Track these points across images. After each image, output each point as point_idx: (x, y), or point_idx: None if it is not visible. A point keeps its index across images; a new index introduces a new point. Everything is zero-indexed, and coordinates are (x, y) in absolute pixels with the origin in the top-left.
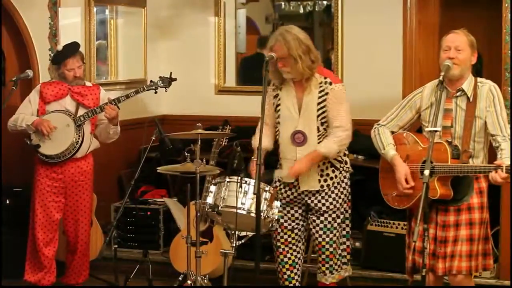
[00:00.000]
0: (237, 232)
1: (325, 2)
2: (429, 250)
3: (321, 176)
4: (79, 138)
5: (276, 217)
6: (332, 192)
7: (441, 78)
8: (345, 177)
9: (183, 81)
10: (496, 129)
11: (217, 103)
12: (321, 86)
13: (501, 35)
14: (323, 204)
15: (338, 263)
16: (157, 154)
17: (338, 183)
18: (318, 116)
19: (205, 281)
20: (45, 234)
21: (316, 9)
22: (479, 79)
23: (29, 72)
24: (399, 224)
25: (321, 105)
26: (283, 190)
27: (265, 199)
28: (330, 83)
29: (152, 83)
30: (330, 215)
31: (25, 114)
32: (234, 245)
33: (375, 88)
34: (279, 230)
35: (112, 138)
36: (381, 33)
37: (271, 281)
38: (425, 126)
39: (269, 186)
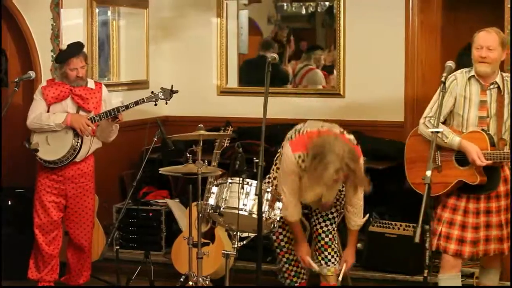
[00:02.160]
0: (238, 233)
1: (327, 3)
2: (457, 236)
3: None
4: (77, 144)
5: (278, 218)
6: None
7: (442, 79)
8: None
9: (185, 82)
10: None
11: (219, 104)
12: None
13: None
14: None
15: (334, 255)
16: (159, 155)
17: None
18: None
19: (207, 282)
20: (47, 233)
21: (318, 10)
22: (503, 73)
23: (31, 73)
24: (401, 225)
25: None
26: None
27: (267, 200)
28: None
29: (152, 95)
30: (331, 213)
31: (49, 113)
32: (235, 246)
33: (377, 89)
34: (280, 230)
35: (112, 136)
36: (383, 34)
37: (273, 282)
38: (458, 114)
39: (270, 187)
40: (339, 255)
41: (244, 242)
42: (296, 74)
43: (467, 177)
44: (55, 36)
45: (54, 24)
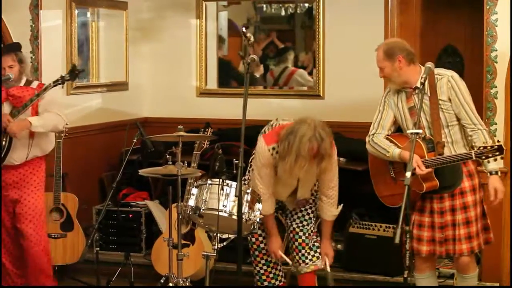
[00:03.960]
0: (219, 235)
1: (306, 5)
2: (427, 237)
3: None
4: (4, 143)
5: (258, 220)
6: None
7: (421, 80)
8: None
9: (165, 83)
10: (465, 118)
11: (198, 105)
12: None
13: (482, 37)
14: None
15: (312, 252)
16: (139, 156)
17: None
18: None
19: (187, 283)
20: (4, 239)
21: (298, 11)
22: (437, 70)
23: (10, 75)
24: (380, 227)
25: (318, 169)
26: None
27: (247, 201)
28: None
29: (60, 78)
30: (308, 214)
31: None
32: (216, 247)
33: (356, 90)
34: (259, 232)
35: (54, 130)
36: (363, 35)
37: (253, 283)
38: (400, 124)
39: (250, 189)
40: (318, 252)
41: (224, 243)
42: (279, 76)
43: (415, 186)
44: (34, 37)
45: (33, 25)
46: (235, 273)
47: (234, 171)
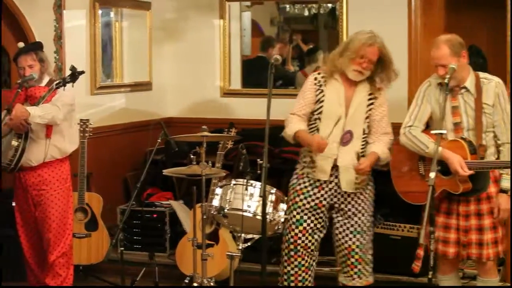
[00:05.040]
0: (243, 235)
1: (329, 5)
2: (453, 239)
3: (356, 178)
4: (19, 143)
5: (282, 220)
6: (361, 194)
7: (446, 81)
8: (370, 179)
9: (189, 83)
10: (500, 126)
11: (222, 105)
12: (370, 89)
13: (505, 36)
14: (353, 206)
15: (367, 267)
16: (163, 156)
17: (367, 184)
18: (365, 118)
19: (211, 283)
20: (27, 237)
21: (321, 11)
22: (483, 75)
23: (34, 75)
24: (405, 227)
25: (369, 107)
26: (311, 192)
27: (271, 201)
28: (379, 88)
29: (61, 80)
30: (359, 218)
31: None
32: (240, 247)
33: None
34: (300, 235)
35: (51, 123)
36: (386, 36)
37: (277, 284)
38: (437, 121)
39: (274, 189)
40: (371, 267)
41: (249, 243)
42: None
43: (450, 187)
44: (58, 37)
45: (57, 25)
46: (259, 273)
47: (258, 171)
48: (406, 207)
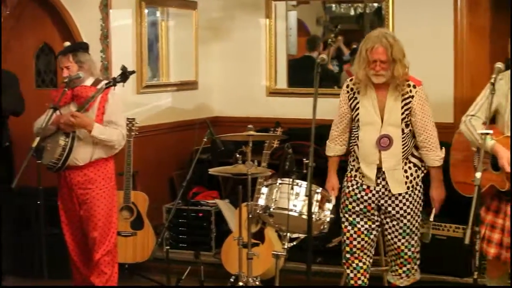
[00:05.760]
0: (288, 234)
1: (375, 4)
2: (497, 240)
3: (407, 178)
4: (65, 142)
5: (328, 219)
6: (410, 195)
7: (492, 80)
8: (420, 179)
9: (234, 83)
10: None
11: (268, 105)
12: (403, 90)
13: None
14: (401, 208)
15: (415, 267)
16: (209, 155)
17: (416, 184)
18: (403, 119)
19: (257, 282)
20: (72, 236)
21: (367, 11)
22: None
23: (80, 74)
24: (450, 227)
25: (406, 107)
26: (359, 195)
27: (317, 201)
28: (414, 86)
29: (111, 81)
30: (409, 220)
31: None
32: (285, 247)
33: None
34: (355, 236)
35: (107, 145)
36: (432, 35)
37: (323, 283)
38: (501, 115)
39: (320, 188)
40: (418, 264)
41: (294, 242)
42: None
43: (498, 183)
44: (104, 36)
45: (103, 24)
46: (304, 272)
47: (304, 171)
48: (453, 206)
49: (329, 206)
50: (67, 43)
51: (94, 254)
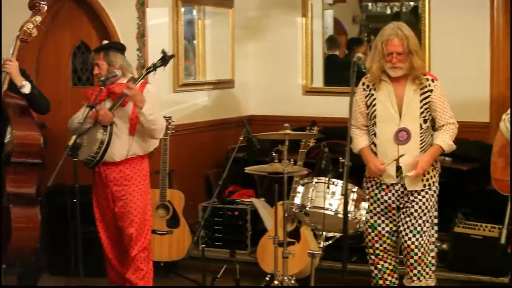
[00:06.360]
0: (324, 233)
1: (412, 3)
2: None
3: (423, 175)
4: (104, 137)
5: (364, 218)
6: (426, 193)
7: None
8: (436, 180)
9: (271, 81)
10: None
11: (304, 103)
12: (421, 83)
13: None
14: (417, 204)
15: (427, 270)
16: (245, 154)
17: (432, 183)
18: (421, 113)
19: (292, 281)
20: (106, 233)
21: (403, 10)
22: None
23: (118, 72)
24: (486, 227)
25: (425, 101)
26: (378, 195)
27: (353, 200)
28: (432, 80)
29: (151, 66)
30: (421, 218)
31: (80, 111)
32: (321, 245)
33: (462, 89)
34: (376, 238)
35: (150, 132)
36: (468, 34)
37: (358, 282)
38: None
39: (356, 187)
40: (432, 270)
41: (330, 241)
42: None
43: None
44: (141, 35)
45: (140, 23)
46: (340, 271)
47: (340, 170)
48: (488, 206)
49: (364, 205)
50: (105, 42)
51: (130, 251)
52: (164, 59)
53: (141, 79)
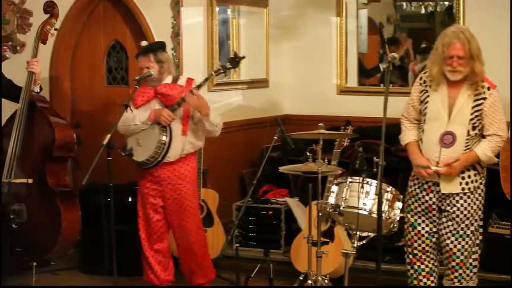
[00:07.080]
0: (358, 233)
1: (446, 3)
2: None
3: (462, 178)
4: (165, 138)
5: (398, 218)
6: (468, 197)
7: None
8: (481, 183)
9: (305, 81)
10: None
11: (338, 103)
12: (477, 90)
13: None
14: (458, 209)
15: (468, 272)
16: (279, 153)
17: (477, 187)
18: (471, 119)
19: (326, 281)
20: (148, 234)
21: (438, 9)
22: None
23: (152, 71)
24: None
25: (476, 109)
26: (420, 195)
27: (387, 199)
28: (488, 88)
29: (221, 68)
30: (463, 222)
31: (133, 113)
32: (355, 245)
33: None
34: (415, 238)
35: (211, 133)
36: (503, 34)
37: (392, 282)
38: None
39: (390, 187)
40: (474, 272)
41: (364, 241)
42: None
43: None
44: (175, 34)
45: (174, 22)
46: (374, 271)
47: (374, 169)
48: None
49: (399, 205)
50: (145, 43)
51: (192, 246)
52: (234, 61)
53: (207, 81)
